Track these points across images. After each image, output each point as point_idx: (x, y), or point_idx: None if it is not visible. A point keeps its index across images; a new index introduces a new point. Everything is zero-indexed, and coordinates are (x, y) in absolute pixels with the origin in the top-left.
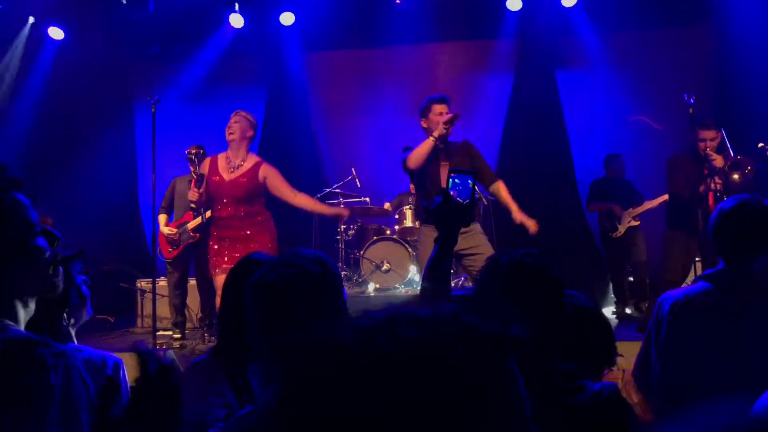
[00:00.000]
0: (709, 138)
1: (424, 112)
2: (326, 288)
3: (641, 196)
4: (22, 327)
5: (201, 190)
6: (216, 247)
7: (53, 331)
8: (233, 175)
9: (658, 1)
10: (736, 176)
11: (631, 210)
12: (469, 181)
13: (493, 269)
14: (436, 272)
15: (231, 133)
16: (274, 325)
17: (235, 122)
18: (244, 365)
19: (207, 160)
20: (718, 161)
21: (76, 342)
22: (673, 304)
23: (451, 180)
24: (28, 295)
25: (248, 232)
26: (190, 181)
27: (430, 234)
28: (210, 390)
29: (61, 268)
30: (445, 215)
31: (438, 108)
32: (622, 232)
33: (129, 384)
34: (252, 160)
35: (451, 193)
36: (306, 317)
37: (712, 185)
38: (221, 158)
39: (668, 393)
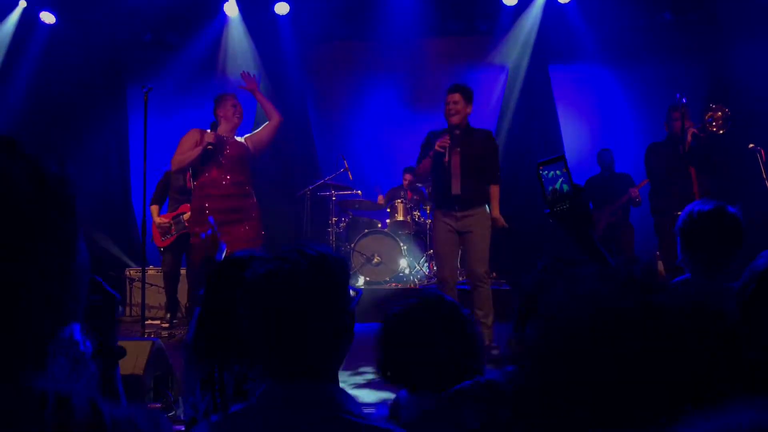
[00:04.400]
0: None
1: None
2: (326, 282)
3: (634, 185)
4: None
5: (216, 132)
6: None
7: None
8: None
9: None
10: (715, 128)
11: (608, 206)
12: (560, 169)
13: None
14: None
15: (240, 117)
16: (274, 320)
17: (240, 107)
18: (224, 367)
19: (196, 131)
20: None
21: None
22: None
23: (542, 176)
24: None
25: (240, 212)
26: (185, 172)
27: (439, 218)
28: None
29: None
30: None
31: (448, 97)
32: (599, 231)
33: None
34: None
35: (550, 188)
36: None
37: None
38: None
39: None
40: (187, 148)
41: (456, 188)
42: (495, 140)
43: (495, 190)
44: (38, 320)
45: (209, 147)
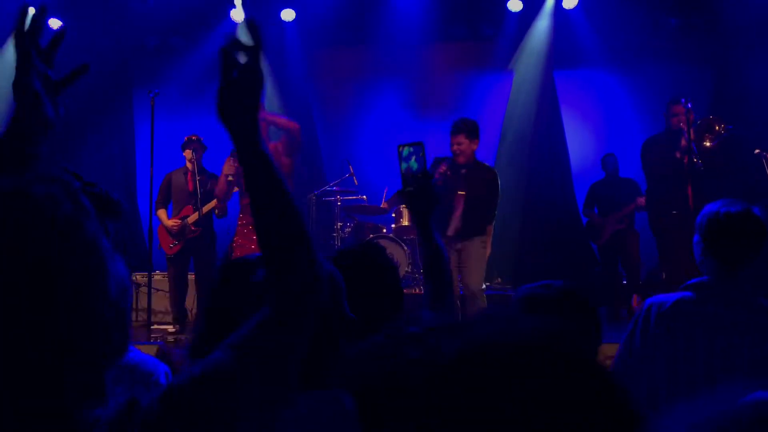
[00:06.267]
0: (681, 112)
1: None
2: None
3: (641, 194)
4: None
5: (237, 164)
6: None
7: None
8: None
9: (657, 4)
10: (707, 143)
11: (614, 214)
12: (420, 152)
13: None
14: (428, 269)
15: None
16: None
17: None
18: None
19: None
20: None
21: None
22: (657, 312)
23: (400, 155)
24: None
25: None
26: (186, 173)
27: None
28: None
29: None
30: (411, 198)
31: (452, 139)
32: (605, 239)
33: None
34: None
35: (404, 166)
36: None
37: (688, 157)
38: None
39: (645, 401)
40: (222, 179)
41: (457, 225)
42: (498, 181)
43: (489, 229)
44: (85, 357)
45: (229, 179)
